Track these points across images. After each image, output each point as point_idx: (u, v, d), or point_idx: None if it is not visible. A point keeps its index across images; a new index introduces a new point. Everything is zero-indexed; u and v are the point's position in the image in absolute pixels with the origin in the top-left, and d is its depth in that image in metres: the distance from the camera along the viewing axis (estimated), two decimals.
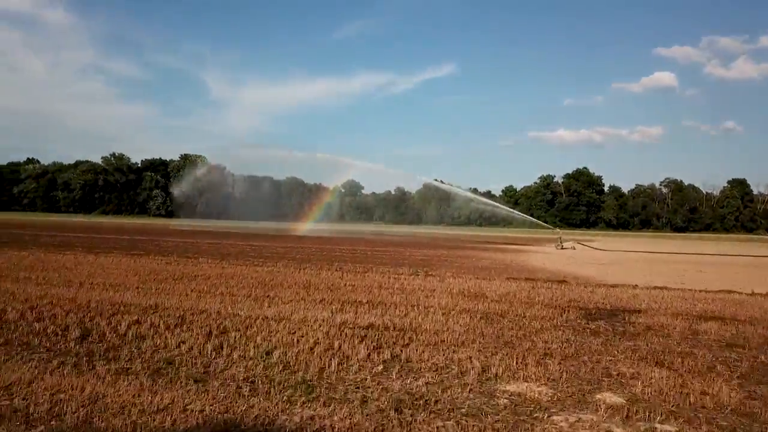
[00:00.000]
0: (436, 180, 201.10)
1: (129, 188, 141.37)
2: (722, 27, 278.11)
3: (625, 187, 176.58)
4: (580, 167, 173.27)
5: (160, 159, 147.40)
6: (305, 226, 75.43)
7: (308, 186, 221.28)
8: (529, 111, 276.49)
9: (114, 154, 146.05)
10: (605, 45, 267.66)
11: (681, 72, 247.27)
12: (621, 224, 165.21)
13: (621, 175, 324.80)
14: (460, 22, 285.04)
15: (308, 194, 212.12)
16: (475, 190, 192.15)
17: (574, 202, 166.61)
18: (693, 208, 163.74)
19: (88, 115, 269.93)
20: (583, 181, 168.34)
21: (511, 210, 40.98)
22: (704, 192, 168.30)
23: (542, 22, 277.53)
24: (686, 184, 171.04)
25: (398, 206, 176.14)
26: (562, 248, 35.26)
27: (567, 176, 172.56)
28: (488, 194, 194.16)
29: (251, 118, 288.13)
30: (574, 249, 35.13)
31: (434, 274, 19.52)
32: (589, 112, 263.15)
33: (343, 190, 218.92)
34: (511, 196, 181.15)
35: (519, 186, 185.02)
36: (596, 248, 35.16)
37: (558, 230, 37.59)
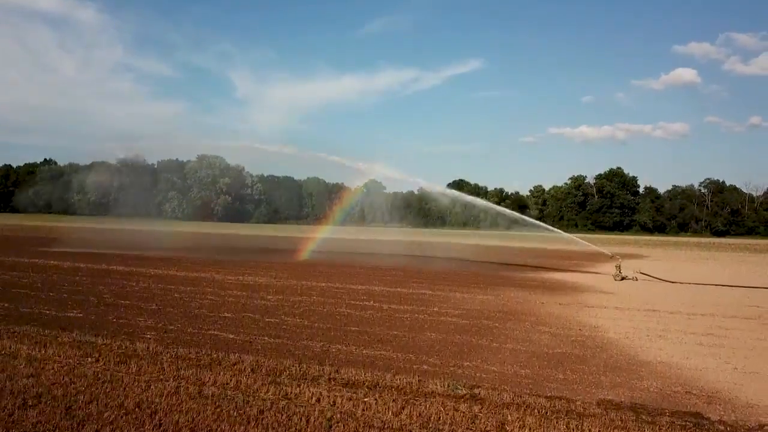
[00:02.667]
0: (462, 180, 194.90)
1: (144, 190, 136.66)
2: (740, 24, 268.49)
3: (660, 188, 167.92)
4: (613, 167, 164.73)
5: (177, 160, 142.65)
6: (321, 233, 68.64)
7: (329, 186, 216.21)
8: (549, 108, 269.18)
9: (129, 155, 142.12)
10: (620, 42, 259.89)
11: (702, 68, 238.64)
12: (657, 227, 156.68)
13: (650, 173, 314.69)
14: (484, 17, 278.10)
15: (329, 195, 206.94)
16: (502, 191, 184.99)
17: (607, 204, 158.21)
18: (735, 210, 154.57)
19: (118, 113, 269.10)
20: (616, 182, 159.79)
21: (524, 217, 35.50)
22: (747, 193, 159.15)
23: (556, 18, 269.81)
24: (728, 184, 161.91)
25: (421, 209, 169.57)
26: (621, 279, 28.75)
27: (599, 176, 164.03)
28: (516, 195, 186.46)
29: (277, 116, 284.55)
30: (636, 280, 28.59)
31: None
32: (610, 108, 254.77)
33: (365, 191, 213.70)
34: (538, 196, 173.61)
35: (548, 186, 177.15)
36: (664, 280, 28.58)
37: (617, 256, 30.90)
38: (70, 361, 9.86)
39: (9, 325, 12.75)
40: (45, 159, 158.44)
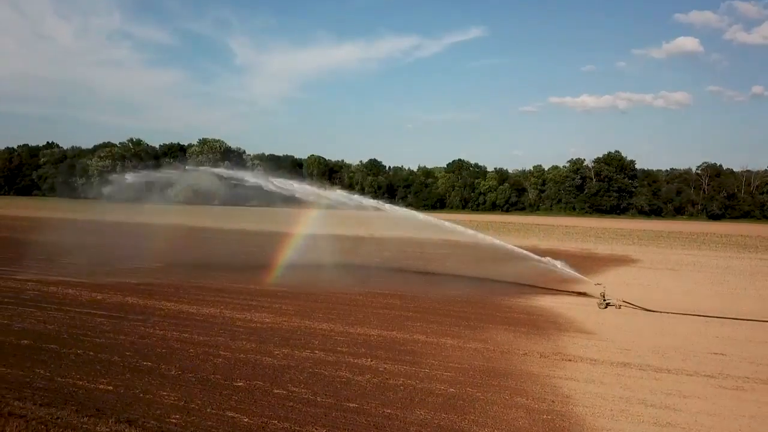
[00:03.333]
0: (461, 160, 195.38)
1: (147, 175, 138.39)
2: None
3: (660, 165, 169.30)
4: (612, 150, 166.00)
5: (179, 144, 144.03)
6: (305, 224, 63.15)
7: (330, 164, 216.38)
8: (550, 77, 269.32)
9: (132, 139, 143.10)
10: (621, 11, 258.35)
11: (704, 37, 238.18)
12: (653, 211, 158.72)
13: (651, 146, 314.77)
14: None
15: (330, 174, 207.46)
16: (501, 172, 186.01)
17: (605, 188, 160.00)
18: (731, 194, 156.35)
19: (115, 81, 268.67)
20: (614, 166, 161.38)
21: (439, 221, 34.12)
22: (743, 177, 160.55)
23: None
24: (725, 167, 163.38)
25: (420, 192, 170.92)
26: (606, 306, 30.62)
27: (598, 160, 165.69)
28: (522, 173, 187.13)
29: (277, 85, 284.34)
30: (619, 308, 30.45)
31: None
32: (611, 78, 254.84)
33: (364, 170, 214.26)
34: (538, 177, 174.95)
35: (548, 165, 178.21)
36: (646, 309, 30.41)
37: (600, 284, 32.59)
38: None
39: (52, 408, 14.61)
40: (48, 142, 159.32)
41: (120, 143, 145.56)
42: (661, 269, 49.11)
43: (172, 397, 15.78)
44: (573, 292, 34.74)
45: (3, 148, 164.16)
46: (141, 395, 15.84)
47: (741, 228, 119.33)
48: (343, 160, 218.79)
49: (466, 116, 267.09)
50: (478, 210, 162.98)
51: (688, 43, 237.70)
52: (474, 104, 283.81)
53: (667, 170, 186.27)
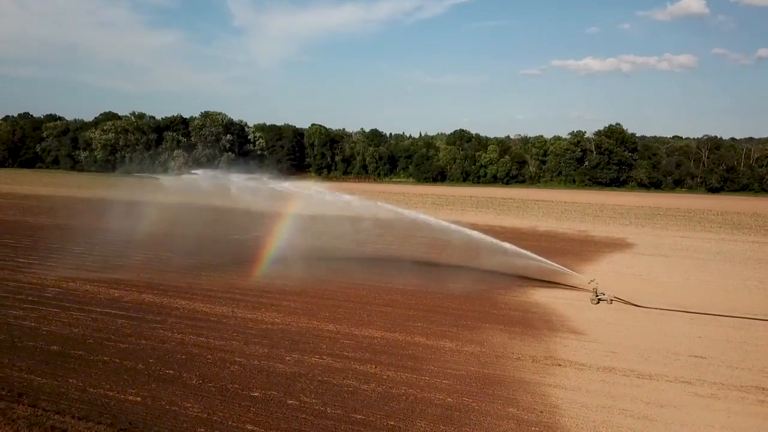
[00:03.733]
0: (463, 130, 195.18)
1: (150, 148, 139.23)
2: None
3: (663, 132, 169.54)
4: (613, 123, 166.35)
5: (181, 117, 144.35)
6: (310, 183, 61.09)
7: (331, 134, 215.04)
8: (553, 39, 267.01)
9: (134, 112, 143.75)
10: None
11: None
12: (653, 184, 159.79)
13: (651, 110, 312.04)
14: None
15: (331, 144, 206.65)
16: (502, 144, 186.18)
17: (605, 161, 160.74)
18: (730, 167, 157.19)
19: (114, 43, 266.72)
20: (615, 138, 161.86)
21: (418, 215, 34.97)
22: (743, 150, 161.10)
23: None
24: (726, 138, 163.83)
25: (421, 164, 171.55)
26: (598, 301, 32.22)
27: (598, 133, 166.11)
28: (524, 139, 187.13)
29: (276, 47, 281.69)
30: (611, 303, 32.05)
31: None
32: (615, 40, 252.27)
33: (365, 140, 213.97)
34: (540, 147, 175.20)
35: (550, 134, 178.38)
36: (635, 305, 31.97)
37: (594, 280, 34.03)
38: None
39: (89, 422, 16.27)
40: (50, 114, 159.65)
41: (123, 117, 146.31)
42: (655, 255, 50.61)
43: (196, 408, 17.42)
44: (567, 286, 36.15)
45: (3, 116, 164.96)
46: (167, 407, 17.48)
47: (738, 203, 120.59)
48: (344, 129, 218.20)
49: (468, 79, 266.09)
50: (479, 182, 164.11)
51: (693, 4, 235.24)
52: (475, 67, 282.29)
53: (669, 137, 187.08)
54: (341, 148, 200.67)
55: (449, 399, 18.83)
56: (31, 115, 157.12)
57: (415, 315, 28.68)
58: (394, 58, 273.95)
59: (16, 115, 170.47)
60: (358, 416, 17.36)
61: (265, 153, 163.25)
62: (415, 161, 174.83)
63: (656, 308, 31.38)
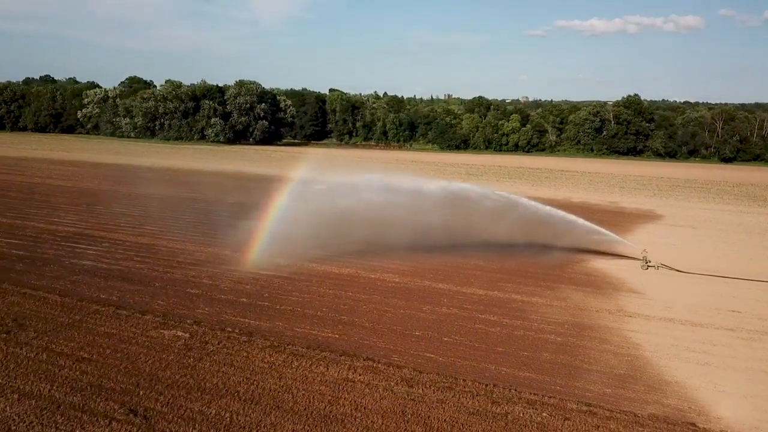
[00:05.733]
0: (482, 97, 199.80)
1: (188, 115, 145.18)
2: None
3: (665, 95, 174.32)
4: (631, 93, 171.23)
5: (217, 86, 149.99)
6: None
7: (352, 100, 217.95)
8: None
9: (170, 80, 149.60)
10: None
11: None
12: (668, 153, 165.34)
13: (655, 71, 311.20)
14: None
15: (352, 111, 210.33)
16: (522, 114, 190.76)
17: (623, 131, 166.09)
18: (743, 138, 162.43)
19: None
20: (633, 109, 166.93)
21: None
22: (756, 121, 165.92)
23: None
24: (739, 112, 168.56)
25: (444, 132, 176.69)
26: (647, 268, 38.73)
27: (617, 104, 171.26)
28: (536, 103, 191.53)
29: (279, 4, 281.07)
30: (658, 269, 38.55)
31: None
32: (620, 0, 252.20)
33: (385, 107, 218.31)
34: (557, 115, 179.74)
35: (554, 92, 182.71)
36: (679, 270, 38.50)
37: (645, 250, 40.39)
38: None
39: (315, 350, 23.20)
40: (89, 81, 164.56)
41: (160, 85, 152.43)
42: (684, 226, 57.15)
43: (381, 343, 24.26)
44: (617, 255, 42.23)
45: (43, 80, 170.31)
46: (360, 341, 24.33)
47: (751, 174, 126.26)
48: (360, 94, 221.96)
49: (473, 39, 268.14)
50: (500, 150, 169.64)
51: None
52: (480, 26, 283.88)
53: (680, 102, 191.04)
54: (362, 115, 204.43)
55: (558, 338, 25.72)
56: (75, 80, 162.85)
57: (502, 277, 35.46)
58: (399, 15, 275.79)
59: (56, 80, 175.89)
60: (499, 349, 24.25)
61: (294, 120, 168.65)
62: (438, 129, 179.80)
63: (695, 273, 38.11)
